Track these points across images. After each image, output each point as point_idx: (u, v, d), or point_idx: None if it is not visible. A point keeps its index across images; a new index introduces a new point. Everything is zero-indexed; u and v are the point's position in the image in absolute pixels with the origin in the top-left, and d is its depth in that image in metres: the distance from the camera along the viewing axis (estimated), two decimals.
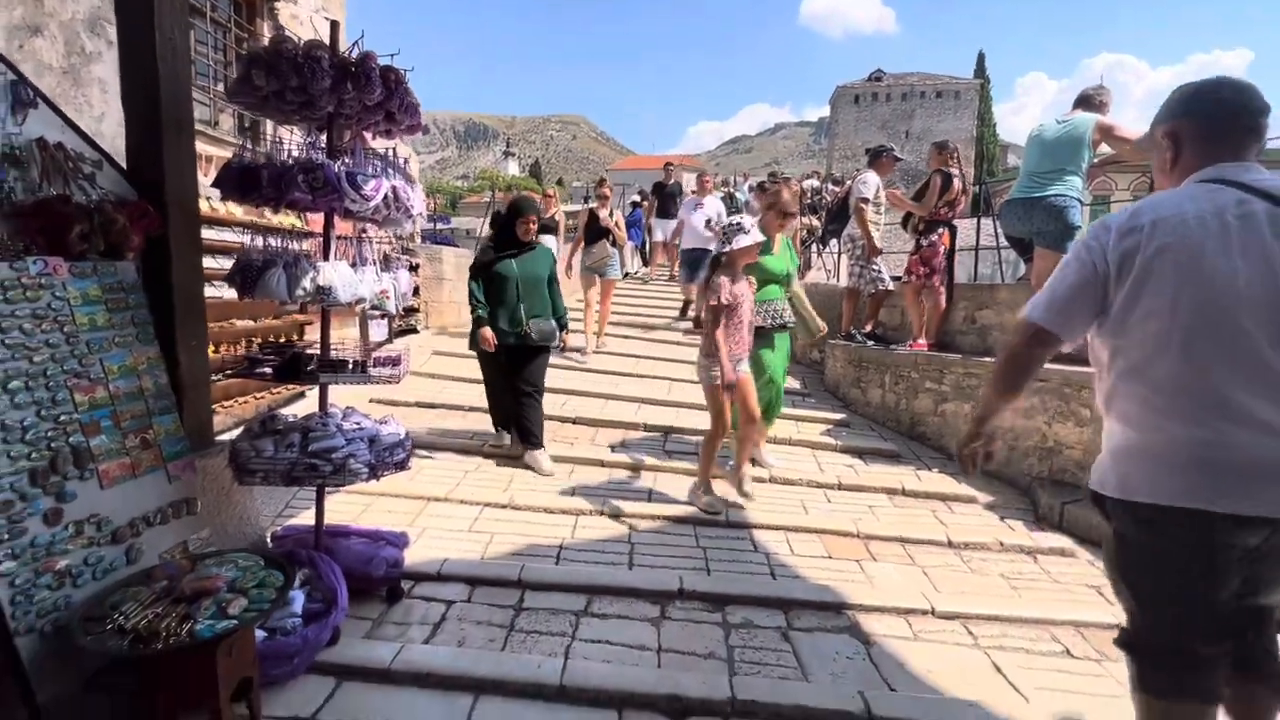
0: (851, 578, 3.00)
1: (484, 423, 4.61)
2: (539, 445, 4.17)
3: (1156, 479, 1.38)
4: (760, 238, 3.48)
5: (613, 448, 4.58)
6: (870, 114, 73.38)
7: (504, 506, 3.56)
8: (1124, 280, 1.40)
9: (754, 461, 4.09)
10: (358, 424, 2.39)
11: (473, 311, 4.08)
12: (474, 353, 4.28)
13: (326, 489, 2.49)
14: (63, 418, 1.82)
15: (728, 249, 3.44)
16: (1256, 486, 1.29)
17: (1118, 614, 2.62)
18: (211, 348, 3.83)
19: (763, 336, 3.93)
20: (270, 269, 2.12)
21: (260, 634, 1.98)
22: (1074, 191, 3.94)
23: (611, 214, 7.34)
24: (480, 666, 2.15)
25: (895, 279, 5.81)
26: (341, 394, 2.85)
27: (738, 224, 3.49)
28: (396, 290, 2.35)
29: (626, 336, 7.76)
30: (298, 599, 2.19)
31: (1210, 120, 1.44)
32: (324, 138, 2.30)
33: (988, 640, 2.55)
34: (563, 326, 4.25)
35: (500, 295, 4.04)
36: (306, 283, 2.10)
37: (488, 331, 4.01)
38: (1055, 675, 2.35)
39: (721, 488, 3.73)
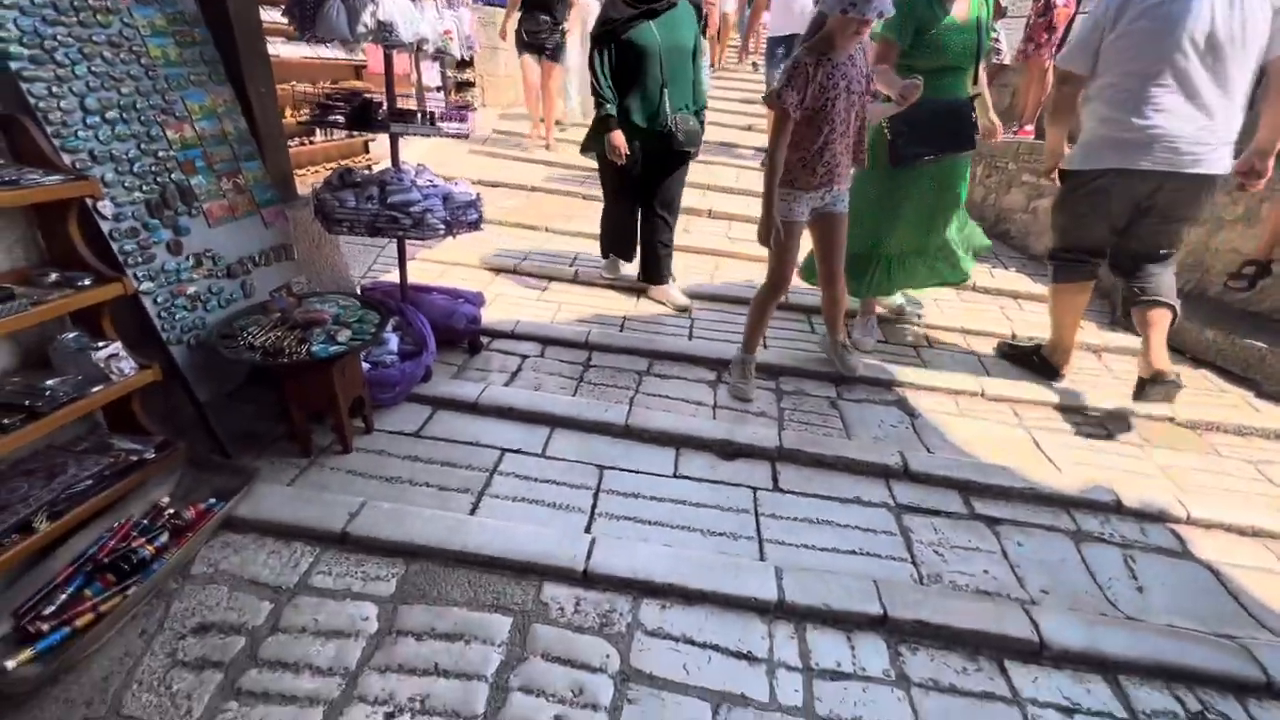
0: (906, 361, 3.08)
1: (559, 217, 4.57)
2: (668, 279, 3.44)
3: (1102, 153, 2.47)
4: (890, 8, 2.15)
5: None
6: None
7: (569, 281, 3.69)
8: (1115, 27, 2.34)
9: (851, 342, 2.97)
10: (431, 181, 2.41)
11: (598, 105, 3.00)
12: (592, 158, 3.33)
13: (407, 245, 2.61)
14: (161, 154, 1.90)
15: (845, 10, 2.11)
16: (1154, 149, 2.35)
17: (1173, 410, 2.65)
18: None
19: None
20: (328, 1, 1.98)
21: (365, 366, 2.26)
22: None
23: None
24: (555, 406, 2.42)
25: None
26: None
27: None
28: (460, 30, 2.19)
29: None
30: (392, 340, 2.43)
31: None
32: None
33: (1033, 423, 2.65)
34: (702, 125, 3.18)
35: (635, 76, 2.92)
36: (366, 17, 1.97)
37: (619, 138, 2.96)
38: (1094, 454, 2.46)
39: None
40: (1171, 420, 2.67)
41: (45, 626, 1.35)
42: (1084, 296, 2.76)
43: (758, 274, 2.81)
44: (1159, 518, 2.11)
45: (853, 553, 1.90)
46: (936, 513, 2.10)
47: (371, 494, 1.91)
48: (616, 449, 2.27)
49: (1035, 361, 2.96)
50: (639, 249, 3.46)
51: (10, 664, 1.26)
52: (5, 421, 1.42)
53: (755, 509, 2.04)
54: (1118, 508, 2.13)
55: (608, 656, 1.49)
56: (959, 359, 3.17)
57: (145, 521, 1.65)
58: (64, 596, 1.42)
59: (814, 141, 2.32)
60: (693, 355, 2.92)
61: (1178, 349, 3.18)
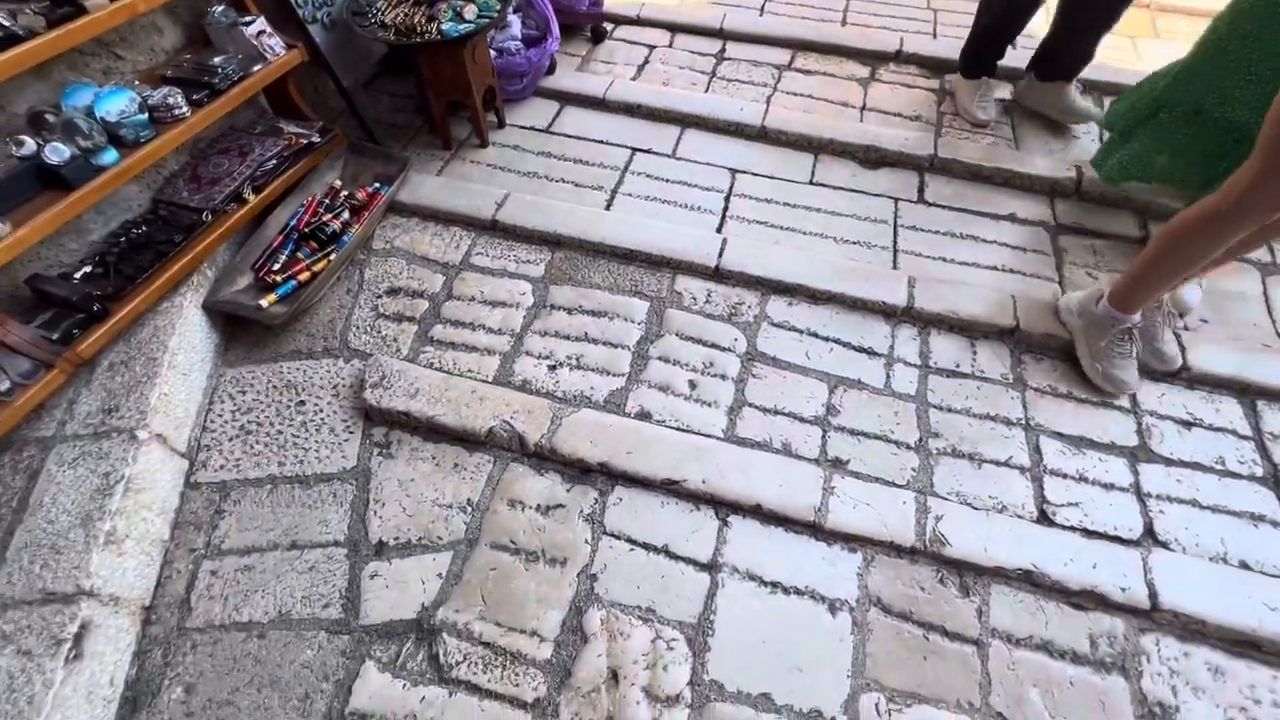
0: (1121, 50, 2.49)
1: None
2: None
3: None
4: None
5: None
6: None
7: None
8: None
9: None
10: None
11: None
12: None
13: None
14: None
15: None
16: None
17: None
18: None
19: None
20: None
21: (492, 54, 2.15)
22: None
23: None
24: (686, 105, 2.26)
25: None
26: None
27: None
28: None
29: None
30: (515, 23, 2.26)
31: None
32: None
33: None
34: None
35: None
36: None
37: None
38: None
39: None
40: None
41: (278, 278, 1.65)
42: None
43: None
44: None
45: (994, 268, 1.83)
46: (1100, 234, 1.91)
47: (512, 186, 2.00)
48: (751, 152, 2.15)
49: None
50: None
51: (264, 303, 1.60)
52: (195, 98, 1.54)
53: (895, 220, 1.95)
54: None
55: (735, 340, 1.64)
56: None
57: (327, 200, 1.85)
58: (284, 257, 1.71)
59: None
60: (843, 46, 2.51)
61: None
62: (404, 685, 1.18)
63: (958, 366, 1.60)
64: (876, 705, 1.16)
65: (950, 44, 2.51)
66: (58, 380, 1.33)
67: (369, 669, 1.20)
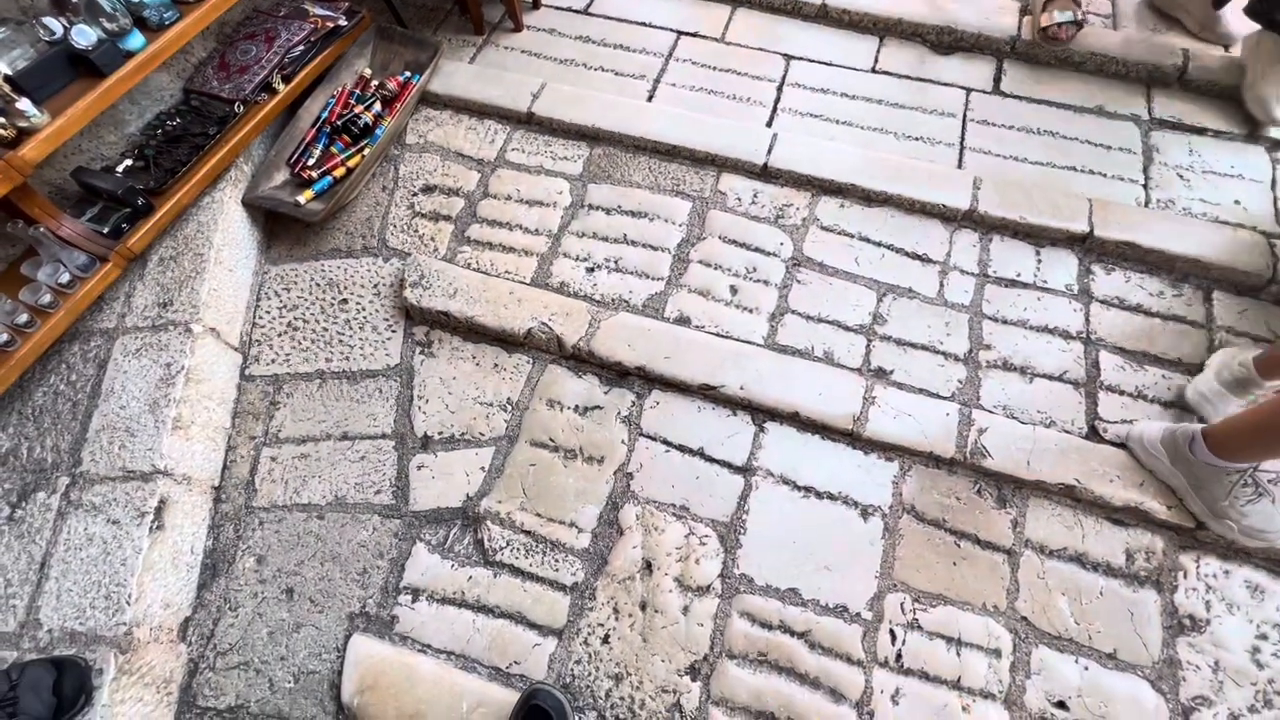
0: None
1: None
2: None
3: None
4: None
5: None
6: None
7: None
8: None
9: None
10: None
11: None
12: None
13: None
14: None
15: None
16: None
17: None
18: None
19: None
20: None
21: None
22: None
23: None
24: None
25: None
26: None
27: None
28: None
29: None
30: None
31: None
32: None
33: None
34: None
35: None
36: None
37: None
38: None
39: None
40: None
41: (314, 174, 1.63)
42: None
43: None
44: None
45: (1072, 169, 1.67)
46: (1201, 131, 1.71)
47: (549, 75, 1.88)
48: (807, 35, 1.96)
49: None
50: None
51: (301, 200, 1.58)
52: None
53: (964, 113, 1.78)
54: None
55: (781, 244, 1.57)
56: None
57: (358, 91, 1.78)
58: (318, 151, 1.67)
59: None
60: None
61: None
62: (452, 565, 1.27)
63: (1019, 276, 1.50)
64: (902, 605, 1.20)
65: None
66: (113, 274, 1.37)
67: (419, 550, 1.28)
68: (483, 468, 1.35)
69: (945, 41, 1.90)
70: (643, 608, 1.21)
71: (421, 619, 1.23)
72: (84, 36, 1.23)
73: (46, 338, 1.27)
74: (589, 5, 2.07)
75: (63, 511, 1.23)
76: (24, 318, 1.25)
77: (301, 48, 1.68)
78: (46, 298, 1.27)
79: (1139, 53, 1.78)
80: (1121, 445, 1.29)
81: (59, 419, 1.31)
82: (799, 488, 1.30)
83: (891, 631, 1.18)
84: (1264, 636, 1.15)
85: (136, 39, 1.32)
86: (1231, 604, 1.18)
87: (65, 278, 1.30)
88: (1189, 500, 1.21)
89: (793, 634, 1.18)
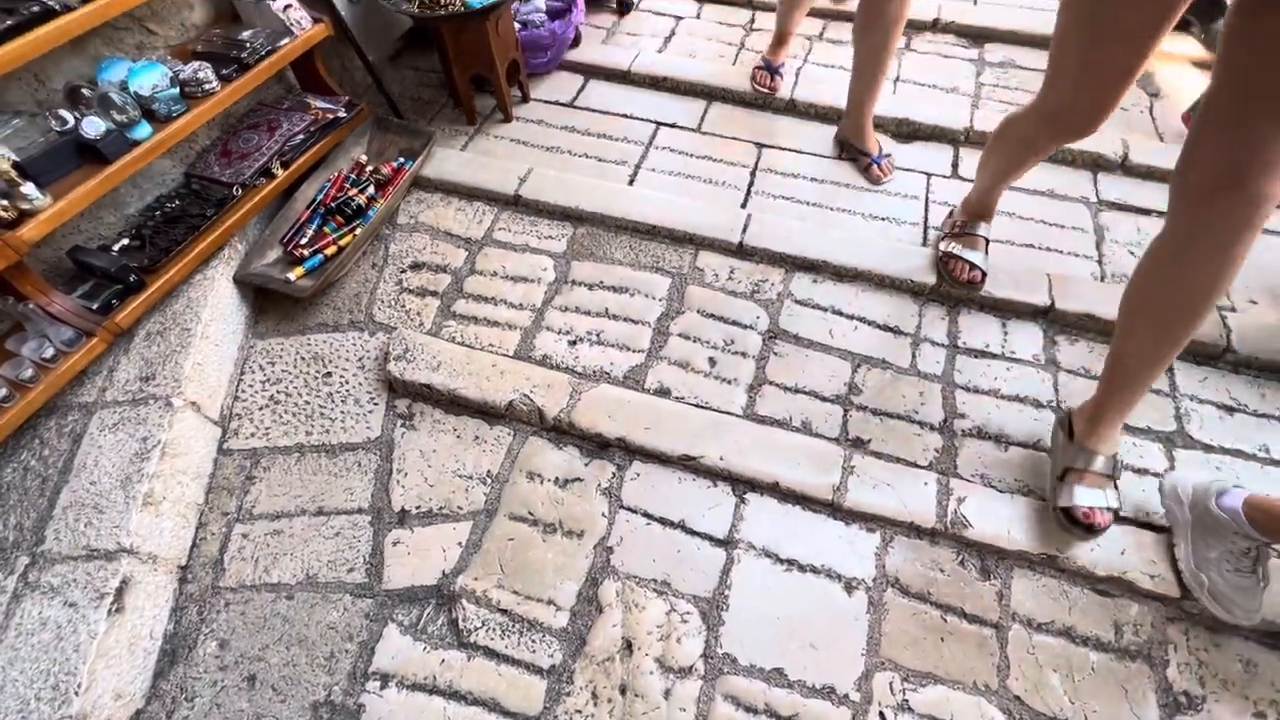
0: None
1: None
2: None
3: None
4: None
5: None
6: None
7: None
8: None
9: None
10: None
11: None
12: None
13: None
14: None
15: None
16: None
17: None
18: None
19: None
20: None
21: (516, 26, 2.13)
22: None
23: None
24: (712, 78, 2.21)
25: None
26: None
27: None
28: None
29: None
30: None
31: None
32: None
33: None
34: None
35: None
36: None
37: None
38: None
39: None
40: None
41: (305, 252, 1.68)
42: None
43: None
44: None
45: (1029, 246, 1.76)
46: (1146, 212, 1.83)
47: (535, 162, 1.99)
48: (778, 125, 2.11)
49: None
50: None
51: (292, 276, 1.63)
52: (225, 72, 1.56)
53: (926, 195, 1.89)
54: None
55: (758, 317, 1.62)
56: None
57: (353, 176, 1.87)
58: (310, 231, 1.74)
59: None
60: None
61: None
62: (424, 648, 1.22)
63: (987, 347, 1.56)
64: (891, 684, 1.16)
65: (990, 12, 2.41)
66: (98, 348, 1.38)
67: (391, 631, 1.24)
68: (460, 543, 1.32)
69: (905, 131, 2.05)
70: (623, 692, 1.16)
71: (390, 707, 1.17)
72: (93, 127, 1.30)
73: (21, 413, 1.27)
74: (575, 98, 2.23)
75: (18, 594, 1.18)
76: (2, 392, 1.24)
77: (301, 136, 1.78)
78: (28, 372, 1.28)
79: (1084, 142, 1.92)
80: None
81: (25, 495, 1.28)
82: (781, 560, 1.28)
83: (881, 714, 1.13)
84: (1261, 715, 1.12)
85: (144, 129, 1.40)
86: (1225, 680, 1.15)
87: (49, 352, 1.31)
88: (1179, 545, 1.20)
89: (779, 718, 1.13)
